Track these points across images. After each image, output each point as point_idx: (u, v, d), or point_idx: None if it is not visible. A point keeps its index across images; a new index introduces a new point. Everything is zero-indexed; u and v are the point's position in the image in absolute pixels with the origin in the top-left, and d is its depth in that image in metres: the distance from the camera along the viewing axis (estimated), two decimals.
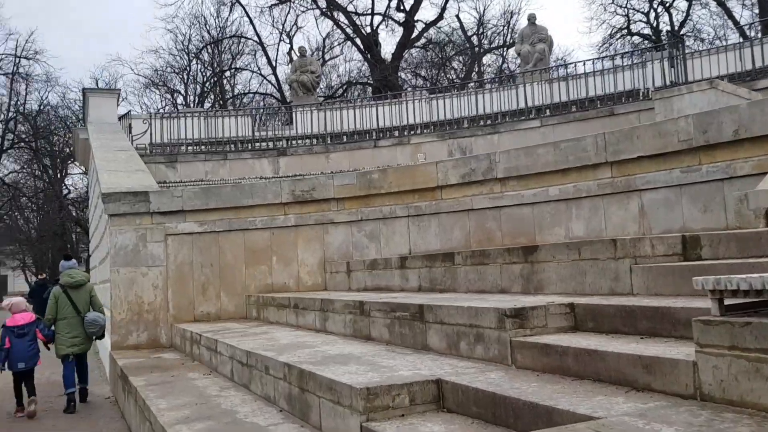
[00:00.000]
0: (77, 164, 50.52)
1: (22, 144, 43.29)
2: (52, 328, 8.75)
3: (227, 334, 7.24)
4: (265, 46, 37.44)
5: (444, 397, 3.85)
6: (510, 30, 36.44)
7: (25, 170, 49.60)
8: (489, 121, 17.48)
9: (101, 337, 9.14)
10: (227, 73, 40.47)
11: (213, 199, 9.80)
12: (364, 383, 3.82)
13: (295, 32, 38.26)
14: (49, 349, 8.76)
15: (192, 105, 38.47)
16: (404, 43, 34.12)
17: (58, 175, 52.61)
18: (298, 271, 9.66)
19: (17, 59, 38.13)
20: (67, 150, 51.33)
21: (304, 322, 7.34)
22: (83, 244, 66.80)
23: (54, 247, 58.01)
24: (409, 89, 29.20)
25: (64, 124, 44.65)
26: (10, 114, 40.05)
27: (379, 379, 3.94)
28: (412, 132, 17.91)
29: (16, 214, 48.32)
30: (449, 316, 4.75)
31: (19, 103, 41.42)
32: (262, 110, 23.66)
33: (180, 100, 40.82)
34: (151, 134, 16.96)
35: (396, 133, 18.17)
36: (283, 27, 37.63)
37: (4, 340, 8.18)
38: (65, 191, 53.21)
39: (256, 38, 37.54)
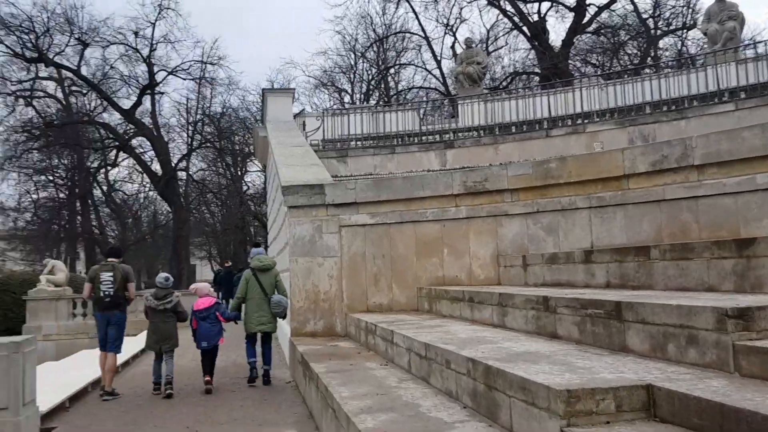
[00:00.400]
0: (256, 161, 54.26)
1: (208, 144, 47.14)
2: (239, 310, 9.72)
3: (402, 325, 7.18)
4: (430, 40, 37.70)
5: (656, 405, 3.40)
6: (691, 10, 33.55)
7: (210, 168, 54.29)
8: (674, 106, 16.08)
9: (283, 317, 9.73)
10: (392, 70, 41.33)
11: (384, 191, 9.86)
12: (563, 385, 3.48)
13: (458, 25, 38.15)
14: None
15: (358, 103, 39.72)
16: (575, 29, 32.64)
17: (239, 173, 56.97)
18: (470, 264, 9.43)
19: (203, 65, 41.44)
20: (247, 149, 55.38)
21: (480, 317, 7.08)
22: (260, 237, 71.93)
23: (235, 239, 62.85)
24: (580, 76, 27.79)
25: (243, 125, 48.10)
26: (198, 116, 43.68)
27: (578, 381, 3.58)
28: (587, 120, 16.97)
29: (203, 208, 52.87)
30: (653, 314, 4.25)
31: (205, 106, 45.19)
32: (426, 103, 23.74)
33: (347, 98, 42.34)
34: (323, 131, 17.61)
35: (569, 122, 17.33)
36: (447, 21, 37.67)
37: (191, 322, 9.28)
38: (245, 187, 57.58)
39: (420, 33, 37.93)
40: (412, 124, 18.72)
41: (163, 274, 9.86)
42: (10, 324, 22.50)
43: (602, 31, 35.22)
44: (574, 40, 33.98)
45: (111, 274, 9.17)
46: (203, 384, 9.10)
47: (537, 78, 33.27)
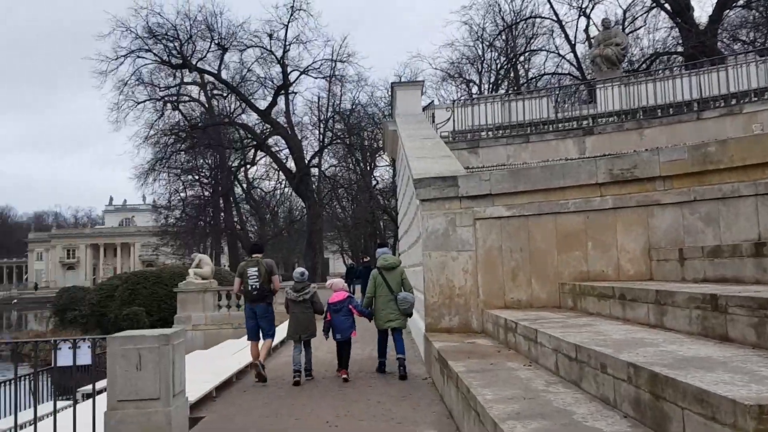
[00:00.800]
0: (384, 156, 54.84)
1: (338, 140, 48.29)
2: (370, 308, 9.95)
3: (545, 323, 6.76)
4: (563, 23, 36.23)
5: None
6: None
7: (341, 164, 55.73)
8: None
9: (410, 314, 9.89)
10: (521, 58, 40.16)
11: (521, 181, 9.41)
12: (752, 398, 3.00)
13: (592, 8, 36.37)
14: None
15: (486, 93, 38.95)
16: (724, 3, 29.99)
17: (368, 168, 58.03)
18: (617, 258, 8.77)
19: (333, 63, 42.43)
20: (375, 144, 56.27)
21: (633, 316, 6.50)
22: (389, 231, 72.99)
23: (365, 233, 64.26)
24: (733, 53, 25.42)
25: (372, 121, 48.87)
26: (329, 113, 44.80)
27: None
28: (743, 100, 15.41)
29: (335, 203, 54.26)
30: None
31: (335, 103, 46.33)
32: (560, 89, 22.73)
33: (474, 89, 41.70)
34: (453, 122, 17.31)
35: (721, 103, 15.84)
36: (581, 3, 36.00)
37: (326, 314, 9.78)
38: (374, 182, 58.55)
39: (552, 17, 36.56)
40: (545, 112, 17.93)
41: (299, 269, 10.35)
42: (164, 314, 24.30)
43: (754, 3, 32.10)
44: (723, 16, 31.23)
45: (256, 269, 9.76)
46: (339, 375, 9.64)
47: (680, 58, 30.93)
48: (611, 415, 4.23)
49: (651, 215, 8.55)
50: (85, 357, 5.95)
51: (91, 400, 6.17)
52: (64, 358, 5.92)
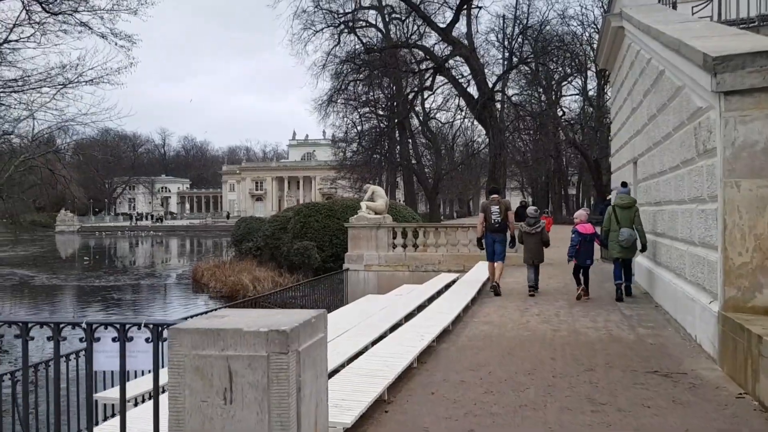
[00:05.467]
0: (575, 81, 49.04)
1: (524, 64, 43.43)
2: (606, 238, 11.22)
3: None
4: None
5: None
6: None
7: (524, 92, 50.66)
8: None
9: (627, 247, 10.70)
10: None
11: None
12: None
13: None
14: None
15: None
16: None
17: (554, 97, 52.37)
18: None
19: None
20: (564, 70, 50.41)
21: None
22: (571, 168, 66.89)
23: (548, 169, 59.02)
24: None
25: (562, 43, 43.23)
26: (517, 31, 39.88)
27: None
28: None
29: (517, 134, 49.54)
30: None
31: (522, 21, 41.19)
32: None
33: None
34: (716, 8, 12.47)
35: None
36: None
37: (577, 241, 11.08)
38: (560, 113, 52.85)
39: None
40: None
41: (532, 207, 12.89)
42: (336, 249, 22.32)
43: None
44: None
45: (498, 207, 11.94)
46: (578, 295, 11.16)
47: None
48: None
49: None
50: (141, 357, 3.09)
51: None
52: (105, 357, 3.12)
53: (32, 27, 24.54)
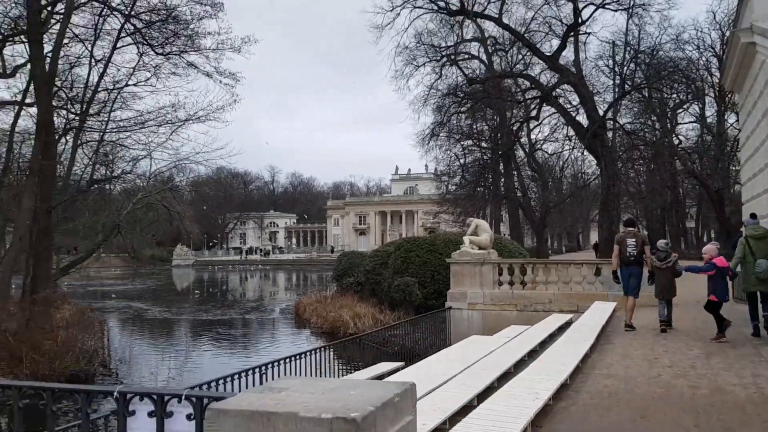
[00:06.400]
0: (691, 110, 45.88)
1: (637, 90, 41.13)
2: (737, 269, 10.75)
3: None
4: None
5: None
6: None
7: (636, 120, 47.99)
8: None
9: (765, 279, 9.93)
10: None
11: None
12: None
13: None
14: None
15: None
16: None
17: (668, 125, 49.31)
18: None
19: None
20: (678, 97, 47.45)
21: None
22: (689, 200, 62.48)
23: (664, 201, 55.29)
24: None
25: (675, 68, 40.61)
26: (628, 56, 37.82)
27: None
28: None
29: (629, 165, 46.81)
30: None
31: (633, 46, 39.04)
32: None
33: None
34: None
35: None
36: None
37: (715, 276, 10.43)
38: (676, 141, 49.63)
39: None
40: None
41: (662, 241, 12.50)
42: (438, 286, 21.42)
43: None
44: None
45: (633, 239, 11.94)
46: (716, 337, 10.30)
47: None
48: None
49: None
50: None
51: None
52: None
53: (148, 71, 25.79)
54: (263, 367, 9.35)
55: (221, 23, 50.47)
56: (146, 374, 18.49)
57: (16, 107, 24.86)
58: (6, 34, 25.32)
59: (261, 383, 8.88)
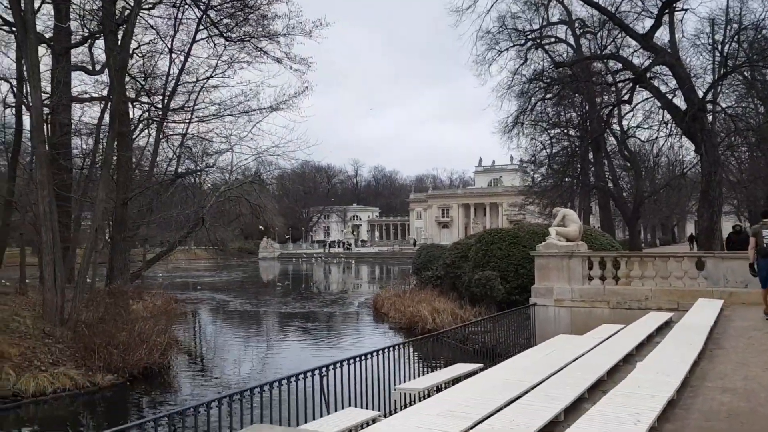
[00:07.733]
0: None
1: (739, 71, 37.80)
2: None
3: None
4: None
5: None
6: None
7: (736, 105, 44.35)
8: None
9: None
10: None
11: None
12: None
13: None
14: None
15: None
16: None
17: None
18: None
19: None
20: None
21: None
22: None
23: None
24: None
25: None
26: (730, 33, 34.84)
27: None
28: None
29: (729, 152, 43.30)
30: None
31: (737, 21, 35.84)
32: None
33: None
34: None
35: None
36: None
37: None
38: None
39: None
40: None
41: None
42: (522, 281, 20.15)
43: None
44: None
45: None
46: None
47: None
48: None
49: None
50: None
51: None
52: None
53: (225, 63, 25.82)
54: (341, 363, 8.98)
55: (291, 6, 50.45)
56: (230, 365, 18.41)
57: (102, 103, 25.51)
58: (93, 31, 26.03)
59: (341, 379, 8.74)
